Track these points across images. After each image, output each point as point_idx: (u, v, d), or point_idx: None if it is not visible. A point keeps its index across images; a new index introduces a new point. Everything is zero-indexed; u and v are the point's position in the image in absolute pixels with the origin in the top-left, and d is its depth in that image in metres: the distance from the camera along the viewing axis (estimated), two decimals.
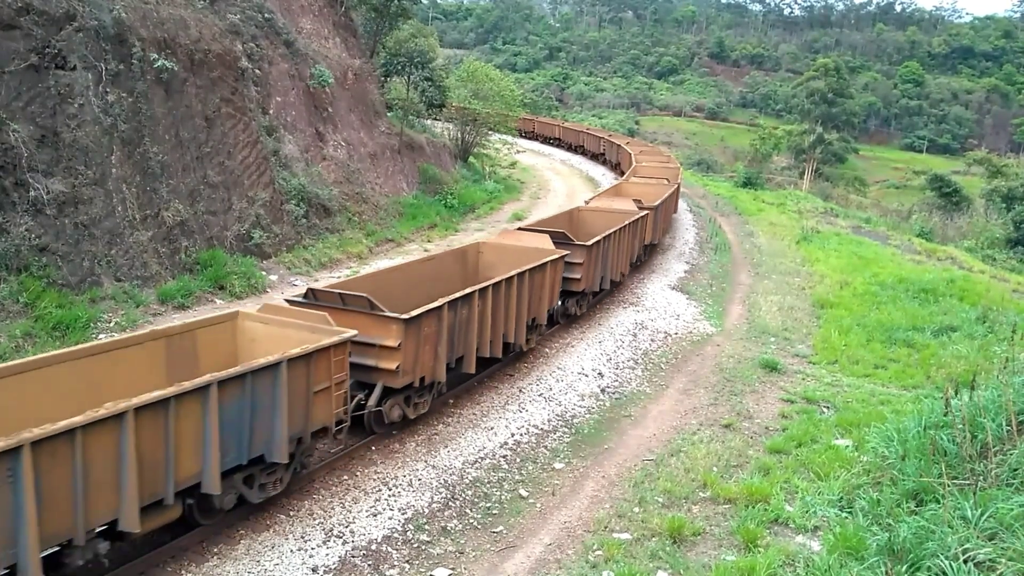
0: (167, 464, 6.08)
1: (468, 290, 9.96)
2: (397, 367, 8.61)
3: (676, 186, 24.65)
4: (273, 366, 6.90)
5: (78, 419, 5.41)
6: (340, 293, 8.87)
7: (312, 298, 8.97)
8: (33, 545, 5.18)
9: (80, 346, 7.18)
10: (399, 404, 9.12)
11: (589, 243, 13.89)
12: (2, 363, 6.79)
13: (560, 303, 13.51)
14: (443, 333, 9.35)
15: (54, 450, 5.30)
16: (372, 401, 8.78)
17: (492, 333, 10.55)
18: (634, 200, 18.96)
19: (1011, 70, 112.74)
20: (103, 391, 6.56)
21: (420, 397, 9.49)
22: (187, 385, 6.19)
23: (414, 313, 8.75)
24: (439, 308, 9.23)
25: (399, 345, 8.58)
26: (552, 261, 12.15)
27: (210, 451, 6.38)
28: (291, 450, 7.28)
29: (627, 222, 16.35)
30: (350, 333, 7.82)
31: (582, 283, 13.77)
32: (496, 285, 10.50)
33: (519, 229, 14.29)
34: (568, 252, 13.03)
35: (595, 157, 42.59)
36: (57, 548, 5.65)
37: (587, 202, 19.40)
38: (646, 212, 18.15)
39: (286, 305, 8.61)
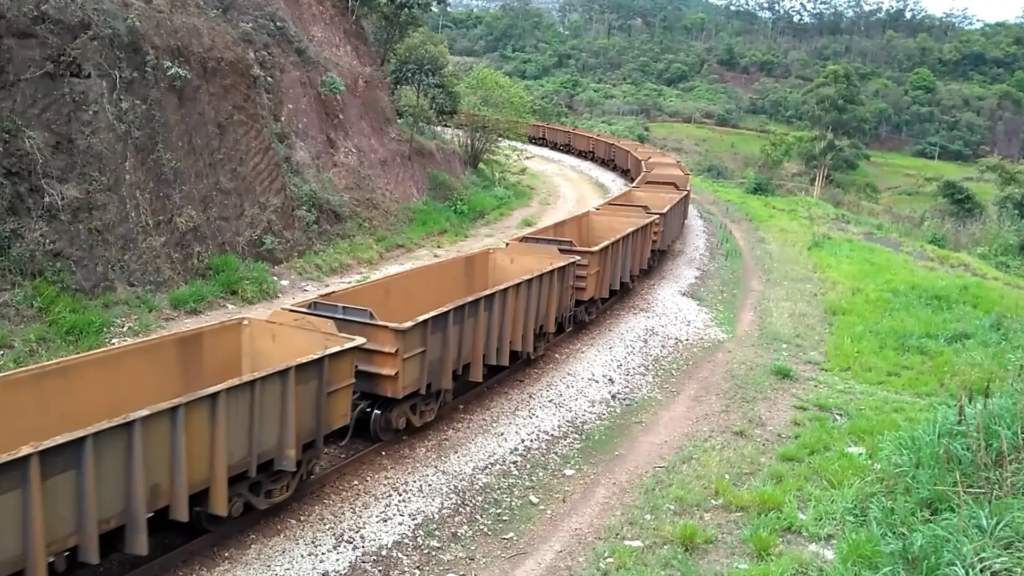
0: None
1: (472, 297, 9.91)
2: (396, 374, 8.48)
3: (686, 192, 24.84)
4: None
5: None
6: (341, 306, 8.92)
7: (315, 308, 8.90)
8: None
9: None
10: (405, 412, 9.06)
11: (595, 249, 13.77)
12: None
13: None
14: (449, 341, 9.29)
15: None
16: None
17: (499, 341, 10.48)
18: (643, 206, 18.96)
19: (1023, 76, 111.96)
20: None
21: (426, 405, 9.42)
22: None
23: (409, 324, 8.59)
24: (444, 315, 9.18)
25: (396, 352, 8.46)
26: (560, 268, 12.09)
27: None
28: (299, 457, 7.30)
29: (636, 227, 16.33)
30: (359, 340, 7.85)
31: (588, 291, 13.59)
32: (503, 292, 10.42)
33: (525, 238, 14.33)
34: (578, 258, 13.02)
35: (604, 163, 42.84)
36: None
37: (598, 208, 19.55)
38: (655, 217, 18.21)
39: (292, 313, 8.56)
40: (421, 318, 8.87)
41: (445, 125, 31.06)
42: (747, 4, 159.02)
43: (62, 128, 11.77)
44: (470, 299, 9.81)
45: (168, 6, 14.52)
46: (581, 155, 46.14)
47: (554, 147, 48.20)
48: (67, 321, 10.89)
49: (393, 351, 8.49)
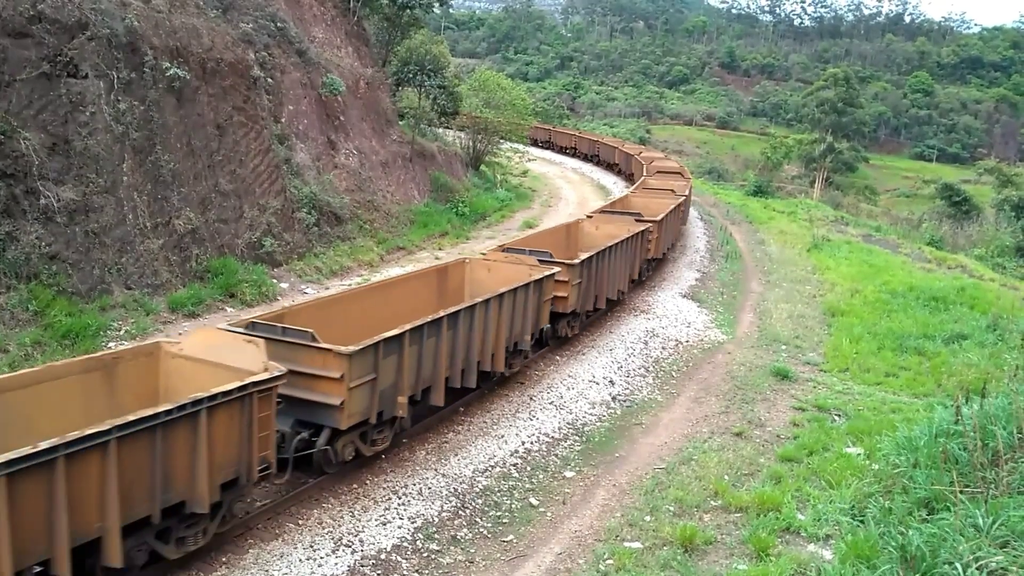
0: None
1: (603, 246, 13.94)
2: (567, 296, 12.49)
3: (690, 180, 28.51)
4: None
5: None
6: (528, 249, 12.79)
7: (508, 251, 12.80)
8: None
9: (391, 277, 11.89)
10: (565, 326, 12.98)
11: (658, 218, 18.19)
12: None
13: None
14: (593, 276, 13.36)
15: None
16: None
17: (612, 280, 14.51)
18: (671, 189, 23.77)
19: (1019, 80, 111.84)
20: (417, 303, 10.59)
21: (575, 322, 13.33)
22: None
23: (578, 260, 12.80)
24: (591, 257, 13.18)
25: (568, 280, 12.44)
26: (640, 232, 16.45)
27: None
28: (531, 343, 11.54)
29: (675, 205, 20.93)
30: (556, 270, 11.88)
31: (652, 251, 17.69)
32: (616, 245, 14.48)
33: (602, 211, 19.22)
34: (650, 226, 17.29)
35: (587, 158, 45.20)
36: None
37: (633, 191, 24.64)
38: (683, 199, 22.86)
39: (502, 252, 12.63)
40: (583, 256, 12.95)
41: (447, 127, 31.03)
42: (748, 7, 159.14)
43: (58, 129, 11.70)
44: (603, 247, 13.84)
45: (167, 6, 14.50)
46: (562, 151, 47.03)
47: (533, 143, 48.07)
48: (63, 325, 10.80)
49: (567, 280, 12.33)
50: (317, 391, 7.67)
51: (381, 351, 8.08)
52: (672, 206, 20.48)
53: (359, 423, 8.06)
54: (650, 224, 17.35)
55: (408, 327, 8.47)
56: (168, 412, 5.90)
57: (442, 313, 9.07)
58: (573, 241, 16.08)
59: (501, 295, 10.19)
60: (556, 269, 11.84)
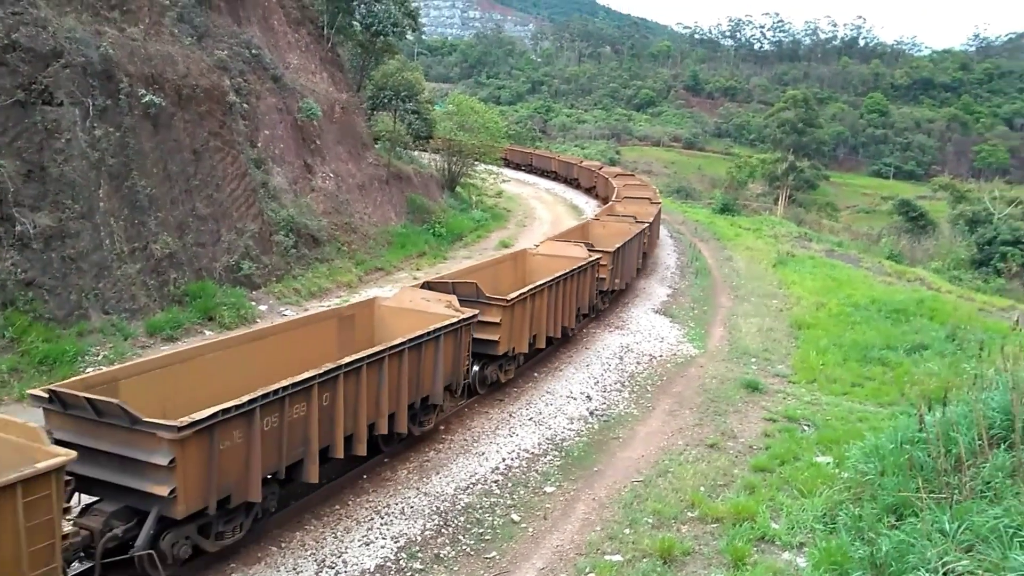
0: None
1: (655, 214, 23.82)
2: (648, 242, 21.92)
3: (659, 203, 30.78)
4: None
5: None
6: (624, 215, 21.80)
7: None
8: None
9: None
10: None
11: (659, 200, 28.57)
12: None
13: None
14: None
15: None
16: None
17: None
18: (646, 186, 32.26)
19: (969, 100, 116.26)
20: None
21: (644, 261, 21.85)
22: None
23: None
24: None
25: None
26: (659, 207, 26.13)
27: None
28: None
29: (656, 196, 29.40)
30: (646, 224, 20.88)
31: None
32: (653, 221, 22.90)
33: (625, 198, 27.27)
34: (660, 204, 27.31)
35: (519, 167, 49.37)
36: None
37: (624, 186, 31.75)
38: (659, 205, 28.46)
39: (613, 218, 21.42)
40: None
41: (422, 150, 31.26)
42: (710, 32, 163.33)
43: (34, 156, 11.69)
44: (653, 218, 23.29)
45: (142, 34, 14.58)
46: (494, 161, 48.83)
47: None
48: (40, 351, 10.74)
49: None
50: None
51: (623, 252, 17.36)
52: (657, 197, 30.28)
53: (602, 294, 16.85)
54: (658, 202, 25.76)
55: (613, 248, 16.70)
56: (577, 268, 14.08)
57: (618, 244, 17.04)
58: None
59: (635, 235, 18.66)
60: (646, 224, 20.82)
